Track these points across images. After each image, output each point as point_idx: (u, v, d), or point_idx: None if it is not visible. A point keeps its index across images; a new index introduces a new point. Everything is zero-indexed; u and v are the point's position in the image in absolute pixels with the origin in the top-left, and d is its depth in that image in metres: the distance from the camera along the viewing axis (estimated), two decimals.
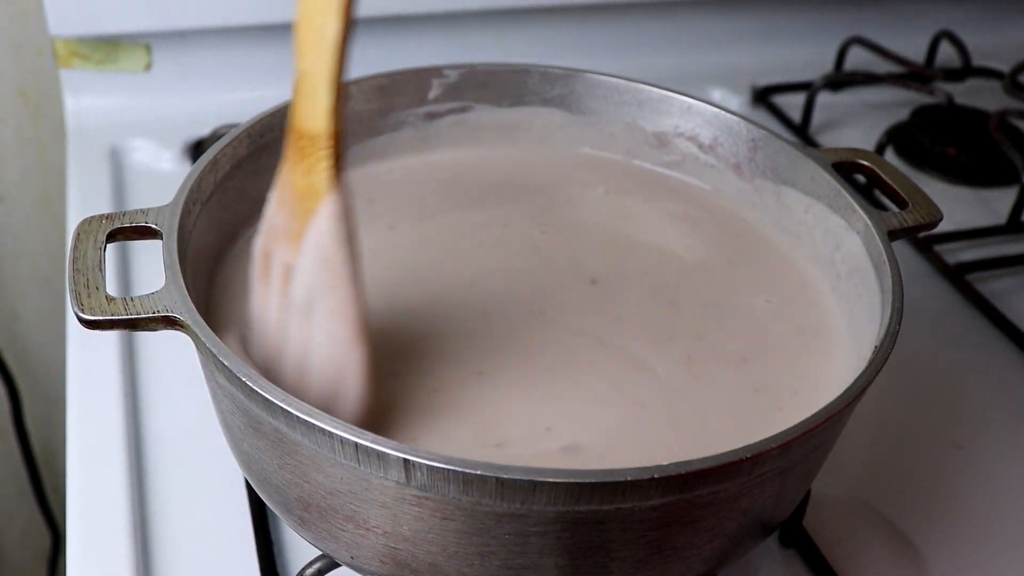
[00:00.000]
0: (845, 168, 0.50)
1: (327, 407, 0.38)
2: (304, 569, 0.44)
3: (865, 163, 0.50)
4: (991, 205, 0.77)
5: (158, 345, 0.58)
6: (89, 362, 0.57)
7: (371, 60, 0.67)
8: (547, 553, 0.36)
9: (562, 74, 0.55)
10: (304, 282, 0.38)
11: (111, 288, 0.59)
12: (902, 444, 0.57)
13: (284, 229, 0.38)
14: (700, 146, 0.54)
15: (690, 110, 0.54)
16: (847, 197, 0.47)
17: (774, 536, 0.50)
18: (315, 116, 0.35)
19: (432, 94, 0.54)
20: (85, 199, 0.68)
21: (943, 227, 0.72)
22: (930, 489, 0.54)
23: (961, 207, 0.76)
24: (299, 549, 0.48)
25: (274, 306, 0.39)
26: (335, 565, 0.44)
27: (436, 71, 0.54)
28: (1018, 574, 0.50)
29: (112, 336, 0.58)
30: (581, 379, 0.43)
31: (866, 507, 0.53)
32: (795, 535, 0.50)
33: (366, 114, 0.53)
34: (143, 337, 0.59)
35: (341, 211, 0.37)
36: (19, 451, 1.01)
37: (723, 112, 0.53)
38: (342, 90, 0.35)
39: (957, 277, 0.68)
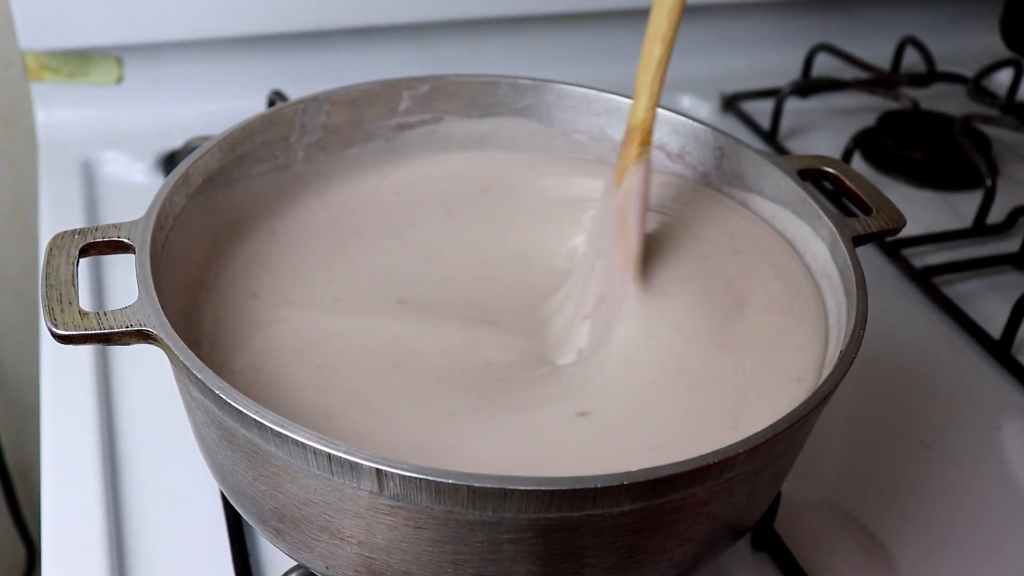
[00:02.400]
0: (811, 175, 0.51)
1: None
2: None
3: (830, 170, 0.50)
4: (957, 208, 0.78)
5: (133, 358, 0.58)
6: (63, 375, 0.57)
7: (342, 72, 0.68)
8: (520, 560, 0.36)
9: (532, 85, 0.56)
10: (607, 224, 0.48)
11: (86, 303, 0.60)
12: (871, 445, 0.58)
13: (605, 197, 0.49)
14: (668, 155, 0.54)
15: (657, 119, 0.54)
16: (812, 204, 0.48)
17: (746, 539, 0.51)
18: (637, 113, 0.47)
19: (403, 105, 0.55)
20: (57, 212, 0.68)
21: (910, 231, 0.73)
22: (899, 489, 0.55)
23: (927, 211, 0.77)
24: (275, 559, 0.48)
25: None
26: (311, 575, 0.44)
27: (407, 82, 0.55)
28: (985, 571, 0.51)
29: (86, 349, 0.58)
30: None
31: (836, 509, 0.54)
32: (767, 538, 0.51)
33: (336, 126, 0.54)
34: (118, 350, 0.59)
35: (644, 174, 0.47)
36: None
37: (690, 120, 0.54)
38: (658, 96, 0.47)
39: (924, 280, 0.69)
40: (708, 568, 0.49)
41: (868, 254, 0.72)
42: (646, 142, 0.48)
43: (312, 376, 0.43)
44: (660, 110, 0.54)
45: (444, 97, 0.55)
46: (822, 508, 0.54)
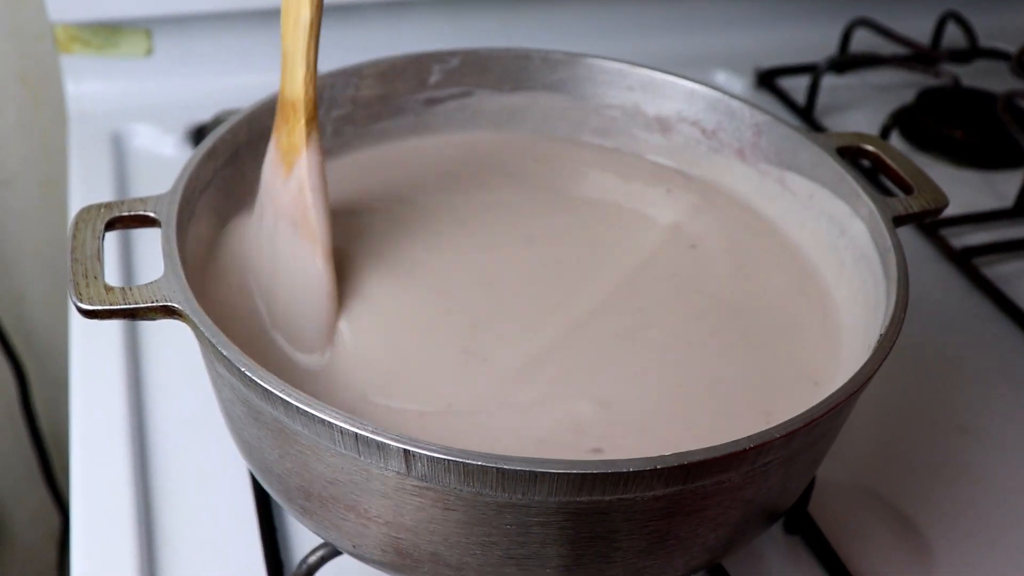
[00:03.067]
0: (850, 153, 0.49)
1: (291, 317, 0.44)
2: (307, 557, 0.44)
3: (870, 148, 0.49)
4: (997, 188, 0.76)
5: (163, 331, 0.58)
6: (93, 348, 0.57)
7: (372, 45, 0.67)
8: (549, 543, 0.36)
9: (563, 59, 0.55)
10: (284, 216, 0.44)
11: (113, 277, 0.59)
12: (908, 429, 0.57)
13: (271, 183, 0.44)
14: (703, 131, 0.53)
15: (693, 95, 0.53)
16: (852, 182, 0.47)
17: (778, 523, 0.50)
18: (294, 86, 0.42)
19: (433, 79, 0.54)
20: (86, 185, 0.68)
21: (949, 210, 0.71)
22: (935, 474, 0.54)
23: (967, 190, 0.76)
24: (303, 536, 0.48)
25: (264, 240, 0.45)
26: (338, 553, 0.44)
27: (437, 56, 0.54)
28: (1021, 557, 0.50)
29: (116, 322, 0.58)
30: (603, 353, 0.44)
31: (871, 493, 0.53)
32: (800, 522, 0.50)
33: (366, 100, 0.53)
34: (146, 323, 0.59)
35: (315, 163, 0.43)
36: (28, 433, 1.01)
37: (726, 96, 0.52)
38: (314, 64, 0.42)
39: (963, 261, 0.67)
40: (740, 552, 0.49)
41: (906, 234, 0.70)
42: (313, 118, 0.43)
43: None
44: (696, 86, 0.53)
45: (475, 71, 0.54)
46: (857, 492, 0.53)
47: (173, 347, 0.58)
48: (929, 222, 0.70)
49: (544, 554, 0.36)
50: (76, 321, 0.57)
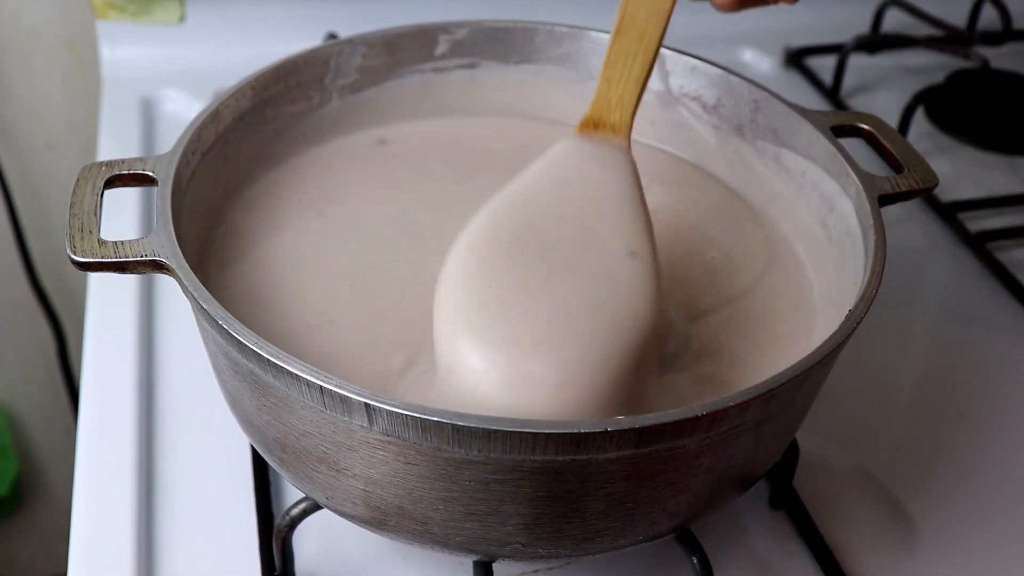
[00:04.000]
0: (845, 131, 0.50)
1: None
2: (289, 509, 0.45)
3: (865, 126, 0.49)
4: (1022, 173, 0.75)
5: (176, 291, 0.60)
6: (109, 303, 0.59)
7: (398, 14, 0.68)
8: (508, 501, 0.37)
9: (568, 32, 0.55)
10: None
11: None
12: (906, 411, 0.57)
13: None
14: (704, 106, 0.54)
15: (694, 70, 0.54)
16: (841, 160, 0.47)
17: (764, 497, 0.51)
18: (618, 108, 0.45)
19: (439, 50, 0.55)
20: (115, 148, 0.70)
21: (969, 193, 0.72)
22: (930, 457, 0.54)
23: (991, 174, 0.75)
24: (294, 490, 0.50)
25: None
26: (318, 507, 0.45)
27: (444, 27, 0.55)
28: (1010, 546, 0.50)
29: (132, 277, 0.59)
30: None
31: (861, 472, 0.53)
32: (784, 496, 0.50)
33: (372, 68, 0.54)
34: (162, 283, 0.60)
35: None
36: (66, 392, 1.04)
37: (726, 73, 0.53)
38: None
39: (978, 245, 0.67)
40: (722, 525, 0.49)
41: (923, 217, 0.70)
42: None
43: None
44: (697, 61, 0.53)
45: (481, 43, 0.55)
46: (848, 471, 0.53)
47: (185, 306, 0.59)
48: (947, 205, 0.69)
49: (503, 511, 0.37)
50: (94, 278, 0.60)
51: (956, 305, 0.64)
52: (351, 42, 0.53)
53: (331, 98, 0.54)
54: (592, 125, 0.45)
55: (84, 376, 0.54)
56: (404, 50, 0.54)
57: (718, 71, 0.53)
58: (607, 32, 0.54)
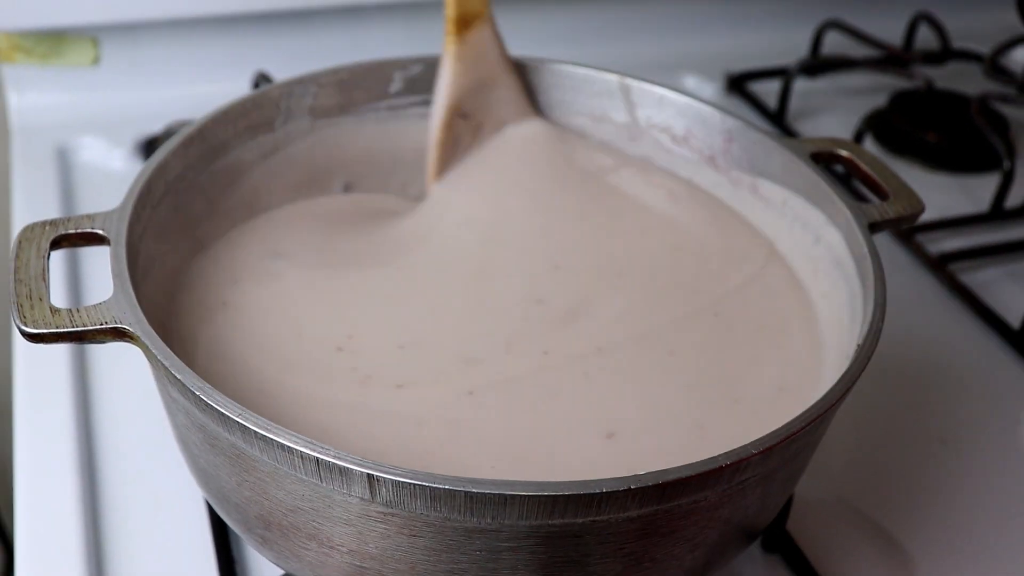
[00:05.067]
0: (823, 158, 0.48)
1: None
2: None
3: (844, 153, 0.48)
4: (973, 192, 0.75)
5: (113, 353, 0.56)
6: (38, 372, 0.54)
7: (330, 52, 0.65)
8: (520, 569, 0.34)
9: (528, 65, 0.53)
10: None
11: (60, 299, 0.57)
12: (886, 441, 0.56)
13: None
14: (673, 138, 0.52)
15: (662, 100, 0.52)
16: (827, 189, 0.46)
17: (757, 541, 0.49)
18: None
19: (394, 87, 0.53)
20: (31, 201, 0.66)
21: (924, 216, 0.71)
22: (915, 486, 0.53)
23: (942, 194, 0.75)
24: (262, 568, 0.46)
25: None
26: None
27: (398, 63, 0.52)
28: (1005, 570, 0.49)
29: (63, 346, 0.55)
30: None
31: (850, 508, 0.52)
32: (779, 539, 0.49)
33: (324, 109, 0.51)
34: (96, 347, 0.56)
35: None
36: None
37: (696, 102, 0.51)
38: None
39: (940, 267, 0.66)
40: (718, 573, 0.47)
41: (881, 241, 0.69)
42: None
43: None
44: (665, 91, 0.52)
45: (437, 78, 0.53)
46: (836, 507, 0.51)
47: (124, 371, 0.55)
48: (905, 228, 0.69)
49: None
50: (20, 345, 0.55)
51: (924, 329, 0.63)
52: (302, 82, 0.50)
53: (281, 143, 0.51)
54: (463, 24, 0.50)
55: (17, 460, 0.50)
56: (357, 89, 0.52)
57: (688, 100, 0.51)
58: (568, 63, 0.53)
